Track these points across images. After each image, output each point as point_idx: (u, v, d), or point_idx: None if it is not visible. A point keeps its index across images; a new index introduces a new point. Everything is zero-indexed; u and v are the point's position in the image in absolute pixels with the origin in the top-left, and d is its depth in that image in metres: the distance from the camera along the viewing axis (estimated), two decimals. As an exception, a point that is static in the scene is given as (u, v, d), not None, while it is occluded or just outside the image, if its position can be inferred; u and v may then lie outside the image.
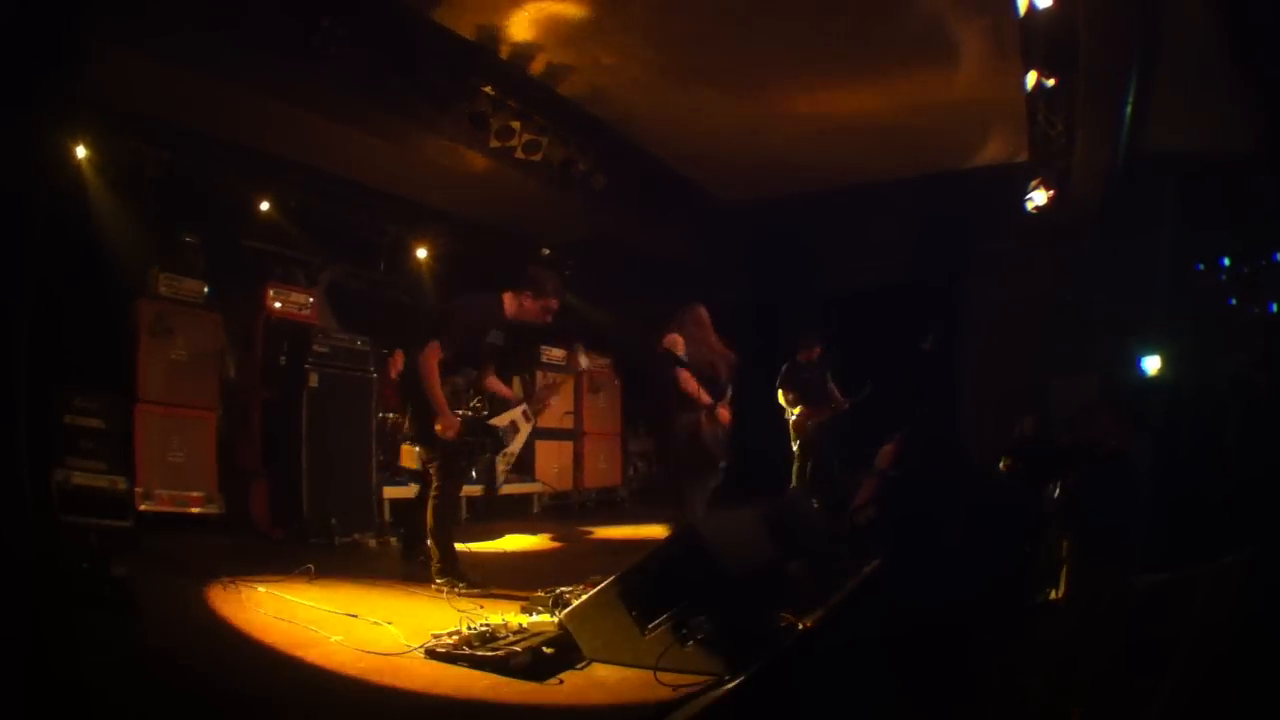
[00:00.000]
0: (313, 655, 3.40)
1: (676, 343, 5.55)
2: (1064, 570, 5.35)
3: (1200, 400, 6.41)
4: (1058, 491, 5.38)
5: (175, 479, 6.21)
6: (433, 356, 4.80)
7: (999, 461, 6.48)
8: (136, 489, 5.85)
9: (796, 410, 8.47)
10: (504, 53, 6.59)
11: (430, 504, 4.93)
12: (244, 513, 6.54)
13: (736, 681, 3.04)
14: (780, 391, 8.56)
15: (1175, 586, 3.31)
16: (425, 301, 9.20)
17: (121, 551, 4.78)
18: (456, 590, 4.64)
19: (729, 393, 5.71)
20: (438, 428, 4.76)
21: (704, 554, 3.21)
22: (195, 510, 6.25)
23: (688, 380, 5.43)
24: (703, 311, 5.80)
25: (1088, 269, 8.97)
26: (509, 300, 5.08)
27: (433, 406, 4.77)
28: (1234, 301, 8.26)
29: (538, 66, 6.87)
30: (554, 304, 5.12)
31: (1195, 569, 3.26)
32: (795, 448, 8.45)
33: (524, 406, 5.62)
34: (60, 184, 5.73)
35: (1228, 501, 4.37)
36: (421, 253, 9.36)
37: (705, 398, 5.42)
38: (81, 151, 6.43)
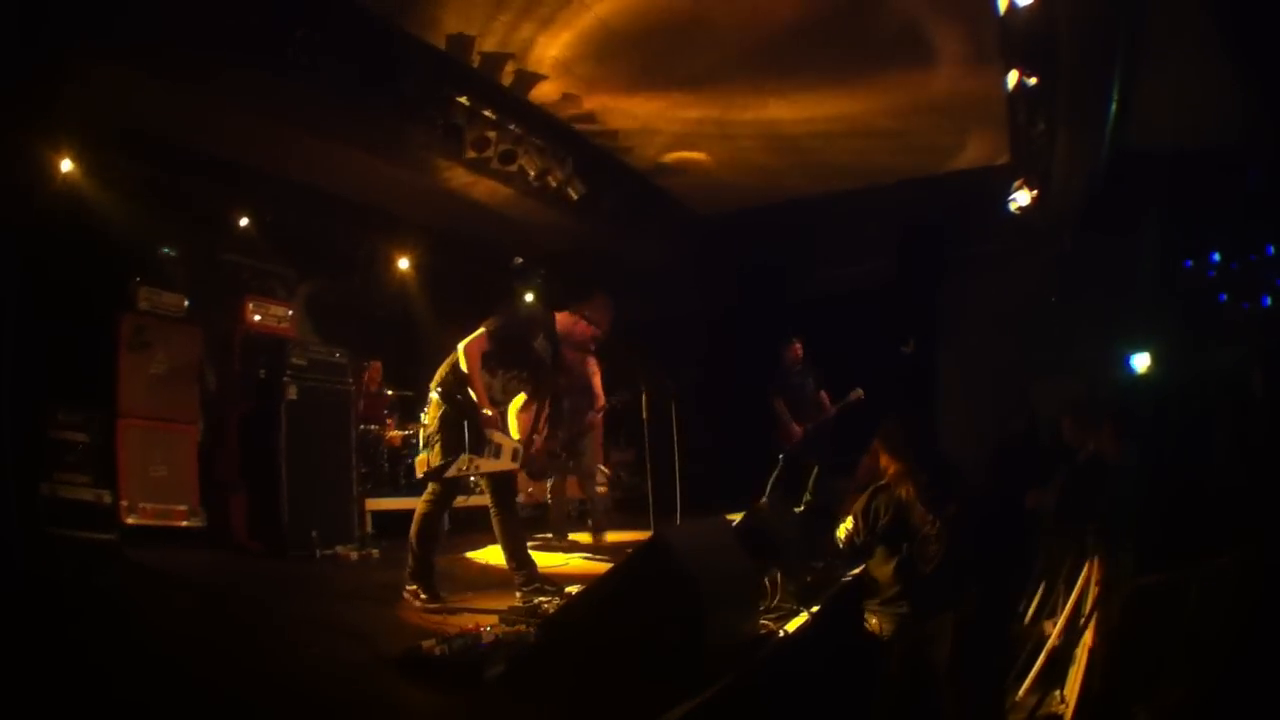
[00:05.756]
0: (289, 665, 3.35)
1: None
2: (1047, 576, 5.29)
3: (1191, 398, 6.35)
4: (1041, 495, 5.32)
5: (158, 492, 6.15)
6: (476, 345, 4.63)
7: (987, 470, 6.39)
8: (121, 502, 5.84)
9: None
10: (476, 62, 6.49)
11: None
12: (224, 526, 6.47)
13: (713, 690, 2.99)
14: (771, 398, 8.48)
15: (1167, 589, 3.26)
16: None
17: (105, 564, 4.75)
18: (419, 602, 4.51)
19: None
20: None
21: (673, 564, 3.14)
22: (181, 524, 6.19)
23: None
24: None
25: (1073, 268, 8.87)
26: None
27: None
28: (1224, 297, 8.21)
29: (510, 77, 6.78)
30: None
31: (1187, 571, 3.20)
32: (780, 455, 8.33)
33: (517, 447, 4.99)
34: (40, 198, 5.70)
35: (1219, 502, 4.30)
36: (402, 264, 9.25)
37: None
38: (64, 165, 6.38)
